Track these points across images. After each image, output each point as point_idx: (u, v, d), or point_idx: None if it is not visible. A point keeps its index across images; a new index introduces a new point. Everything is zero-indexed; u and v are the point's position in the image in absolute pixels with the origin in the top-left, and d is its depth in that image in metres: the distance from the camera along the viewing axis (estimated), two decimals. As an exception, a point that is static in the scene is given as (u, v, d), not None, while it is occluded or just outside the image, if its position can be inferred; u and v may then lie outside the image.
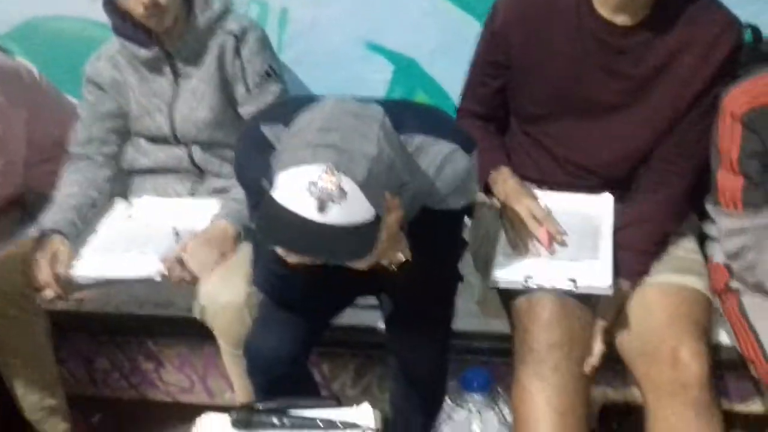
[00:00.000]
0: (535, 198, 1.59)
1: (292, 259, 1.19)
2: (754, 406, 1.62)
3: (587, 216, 1.58)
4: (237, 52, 1.73)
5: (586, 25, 1.54)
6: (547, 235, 1.51)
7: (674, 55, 1.52)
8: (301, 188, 1.11)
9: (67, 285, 1.62)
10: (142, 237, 1.69)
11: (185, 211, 1.75)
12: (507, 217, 1.58)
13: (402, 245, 1.27)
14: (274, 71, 1.76)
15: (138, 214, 1.78)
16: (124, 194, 1.86)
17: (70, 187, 1.76)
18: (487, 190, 1.66)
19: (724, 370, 1.51)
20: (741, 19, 1.83)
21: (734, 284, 1.54)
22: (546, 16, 1.57)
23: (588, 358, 1.44)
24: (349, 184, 1.11)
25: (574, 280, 1.44)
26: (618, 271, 1.49)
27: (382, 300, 1.57)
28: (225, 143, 1.78)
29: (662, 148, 1.58)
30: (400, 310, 1.49)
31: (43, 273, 1.60)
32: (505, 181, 1.62)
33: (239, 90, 1.75)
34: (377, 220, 1.16)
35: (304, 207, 1.11)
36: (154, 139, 1.82)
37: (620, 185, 1.62)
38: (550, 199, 1.61)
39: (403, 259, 1.27)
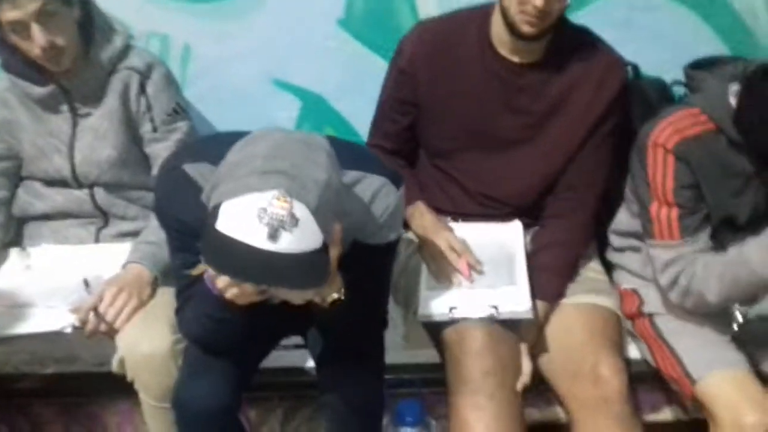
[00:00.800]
0: (452, 231, 1.63)
1: (238, 293, 1.15)
2: (664, 415, 1.72)
3: (500, 244, 1.64)
4: (142, 89, 1.65)
5: (488, 64, 1.61)
6: (467, 266, 1.56)
7: (568, 92, 1.63)
8: (250, 216, 1.07)
9: None
10: (47, 288, 1.56)
11: (90, 257, 1.64)
12: (427, 251, 1.61)
13: (337, 283, 1.26)
14: (181, 108, 1.70)
15: (37, 263, 1.64)
16: (18, 242, 1.71)
17: None
18: (405, 225, 1.69)
19: (636, 383, 1.60)
20: (623, 57, 2.00)
21: (646, 308, 1.64)
22: (450, 55, 1.63)
23: (520, 377, 1.49)
24: (301, 211, 1.09)
25: (495, 307, 1.49)
26: (535, 293, 1.55)
27: (309, 338, 1.54)
28: (130, 184, 1.69)
29: (565, 178, 1.67)
30: (333, 347, 1.46)
31: None
32: (422, 216, 1.65)
33: (145, 128, 1.67)
34: (325, 247, 1.14)
35: (254, 235, 1.07)
36: (51, 182, 1.69)
37: (529, 213, 1.70)
38: (463, 230, 1.65)
39: (336, 297, 1.26)
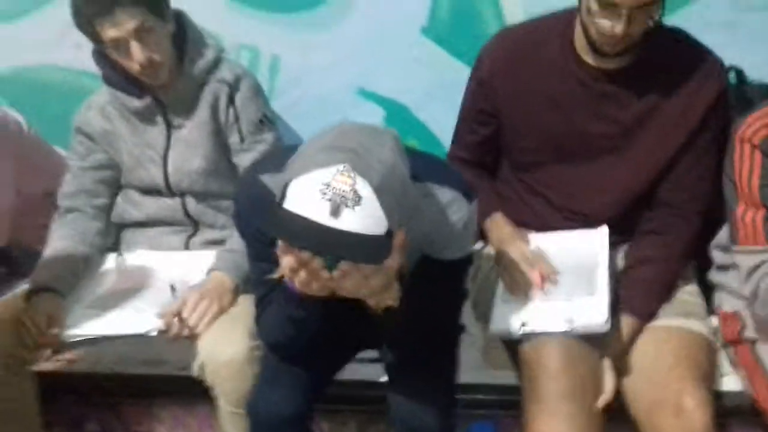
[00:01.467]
0: (527, 241, 1.57)
1: (306, 279, 1.14)
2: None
3: (583, 252, 1.56)
4: (230, 100, 1.69)
5: (571, 71, 1.54)
6: (539, 276, 1.49)
7: (661, 99, 1.52)
8: (314, 191, 1.06)
9: (62, 344, 1.56)
10: (137, 292, 1.63)
11: (180, 264, 1.70)
12: (501, 263, 1.56)
13: (394, 291, 1.23)
14: (267, 119, 1.73)
15: (131, 268, 1.71)
16: (116, 247, 1.79)
17: (60, 241, 1.69)
18: (483, 237, 1.65)
19: (732, 416, 1.49)
20: (726, 59, 1.88)
21: (748, 333, 1.52)
22: (531, 64, 1.56)
23: (602, 395, 1.42)
24: (364, 188, 1.07)
25: (570, 321, 1.42)
26: (623, 307, 1.48)
27: (383, 353, 1.53)
28: (219, 193, 1.73)
29: (661, 193, 1.57)
30: (401, 362, 1.44)
31: (38, 334, 1.52)
32: (499, 228, 1.61)
33: (233, 138, 1.71)
34: (389, 235, 1.11)
35: (317, 211, 1.06)
36: (147, 191, 1.76)
37: (621, 228, 1.60)
38: (544, 240, 1.59)
39: (391, 304, 1.24)
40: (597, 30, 1.43)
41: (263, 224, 1.14)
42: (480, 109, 1.64)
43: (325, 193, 1.06)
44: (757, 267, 1.39)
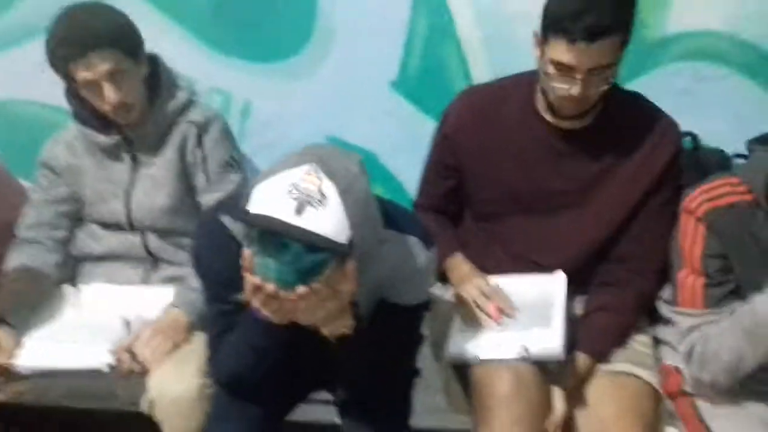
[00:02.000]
0: (484, 278, 1.59)
1: (266, 300, 1.15)
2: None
3: (539, 292, 1.58)
4: (199, 141, 1.70)
5: (532, 129, 1.58)
6: (495, 309, 1.51)
7: (619, 158, 1.57)
8: (281, 191, 1.08)
9: (9, 375, 1.52)
10: (90, 326, 1.60)
11: (136, 299, 1.67)
12: (460, 298, 1.58)
13: (348, 318, 1.24)
14: (235, 161, 1.73)
15: (86, 301, 1.69)
16: (73, 280, 1.77)
17: (16, 272, 1.67)
18: (443, 280, 1.66)
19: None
20: (682, 126, 1.94)
21: (687, 387, 1.53)
22: (494, 121, 1.61)
23: (551, 416, 1.42)
24: (330, 189, 1.09)
25: (525, 348, 1.43)
26: (578, 346, 1.49)
27: (337, 393, 1.52)
28: (182, 231, 1.72)
29: (618, 248, 1.60)
30: (355, 403, 1.42)
31: None
32: (459, 267, 1.63)
33: (199, 178, 1.71)
34: (348, 249, 1.11)
35: (282, 208, 1.07)
36: (108, 225, 1.75)
37: (577, 280, 1.62)
38: (503, 280, 1.61)
39: (345, 332, 1.24)
40: (555, 93, 1.47)
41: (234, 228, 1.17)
42: (444, 164, 1.68)
43: (291, 192, 1.08)
44: (692, 329, 1.44)
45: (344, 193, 1.10)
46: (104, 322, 1.61)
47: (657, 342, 1.65)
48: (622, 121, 1.58)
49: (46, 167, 1.75)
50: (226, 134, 1.75)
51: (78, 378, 1.61)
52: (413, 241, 1.31)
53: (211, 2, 1.95)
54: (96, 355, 1.51)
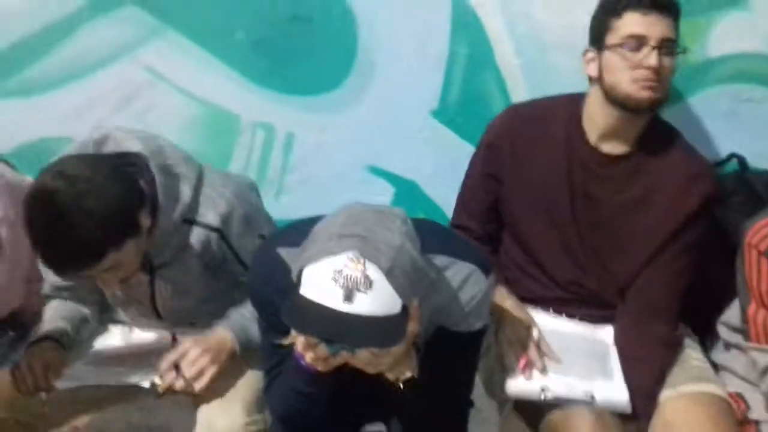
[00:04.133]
0: (527, 321, 1.54)
1: (316, 357, 1.14)
2: None
3: (590, 339, 1.55)
4: (224, 242, 1.50)
5: (574, 148, 1.56)
6: (524, 362, 1.47)
7: (652, 191, 1.54)
8: (327, 278, 1.09)
9: (49, 390, 1.48)
10: (136, 357, 1.57)
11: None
12: (504, 336, 1.53)
13: (411, 362, 1.21)
14: (264, 237, 1.54)
15: (136, 340, 1.66)
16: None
17: (57, 307, 1.61)
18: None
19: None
20: (727, 148, 1.90)
21: (752, 415, 1.48)
22: (537, 134, 1.59)
23: None
24: (374, 273, 1.09)
25: (590, 394, 1.40)
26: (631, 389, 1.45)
27: (391, 427, 1.49)
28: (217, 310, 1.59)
29: (642, 284, 1.57)
30: None
31: (32, 378, 1.44)
32: (502, 299, 1.58)
33: (236, 269, 1.53)
34: (404, 311, 1.12)
35: (331, 297, 1.08)
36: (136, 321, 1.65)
37: (603, 307, 1.61)
38: (551, 321, 1.57)
39: (410, 376, 1.21)
40: (630, 69, 1.45)
41: (282, 313, 1.13)
42: (485, 173, 1.65)
43: (337, 280, 1.08)
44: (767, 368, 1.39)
45: (389, 272, 1.10)
46: (150, 346, 1.59)
47: (715, 366, 1.60)
48: (661, 154, 1.56)
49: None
50: (250, 219, 1.54)
51: (134, 411, 1.60)
52: (471, 269, 1.28)
53: (252, 37, 1.96)
54: (137, 375, 1.49)
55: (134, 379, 1.48)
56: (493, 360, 1.60)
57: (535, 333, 1.50)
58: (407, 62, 1.91)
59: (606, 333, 1.59)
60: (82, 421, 1.64)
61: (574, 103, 1.59)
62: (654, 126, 1.56)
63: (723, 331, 1.58)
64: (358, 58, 1.93)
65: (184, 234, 1.47)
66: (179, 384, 1.43)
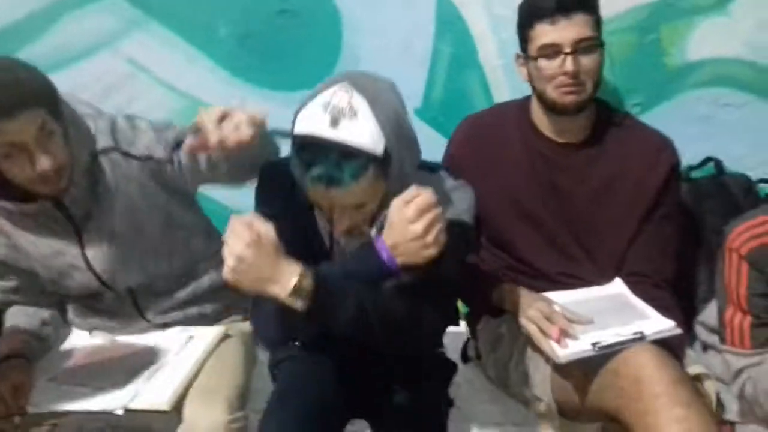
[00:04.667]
0: (545, 298, 1.51)
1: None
2: None
3: (608, 296, 1.55)
4: (128, 155, 1.44)
5: (531, 144, 1.60)
6: (558, 332, 1.42)
7: (617, 174, 1.56)
8: (318, 109, 1.17)
9: (22, 415, 1.42)
10: (103, 369, 1.50)
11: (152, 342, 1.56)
12: (528, 317, 1.48)
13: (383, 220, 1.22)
14: (162, 131, 1.48)
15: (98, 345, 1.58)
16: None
17: (16, 314, 1.55)
18: (489, 311, 1.62)
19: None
20: (705, 151, 1.92)
21: (728, 416, 1.49)
22: (496, 136, 1.63)
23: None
24: (360, 103, 1.16)
25: (640, 332, 1.37)
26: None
27: (374, 424, 1.48)
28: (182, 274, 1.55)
29: (631, 264, 1.58)
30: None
31: (2, 405, 1.39)
32: (512, 293, 1.55)
33: (168, 168, 1.46)
34: (386, 160, 1.18)
35: (319, 124, 1.16)
36: (87, 298, 1.55)
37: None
38: (563, 295, 1.55)
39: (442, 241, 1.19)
40: (551, 83, 1.49)
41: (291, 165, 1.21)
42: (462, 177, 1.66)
43: (326, 108, 1.16)
44: (741, 371, 1.41)
45: (372, 103, 1.17)
46: (116, 365, 1.51)
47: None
48: (617, 138, 1.58)
49: None
50: (131, 119, 1.50)
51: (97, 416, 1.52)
52: (455, 184, 1.36)
53: (238, 32, 1.94)
54: (112, 399, 1.41)
55: (107, 405, 1.39)
56: (506, 355, 1.58)
57: (556, 306, 1.48)
58: (391, 59, 1.91)
59: (617, 286, 1.57)
60: (61, 420, 1.59)
61: (523, 104, 1.63)
62: (603, 112, 1.60)
63: (700, 332, 1.60)
64: (343, 54, 1.92)
65: (93, 170, 1.44)
66: (214, 137, 1.25)
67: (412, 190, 1.18)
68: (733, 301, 1.42)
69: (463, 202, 1.33)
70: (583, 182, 1.57)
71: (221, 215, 1.86)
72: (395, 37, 1.91)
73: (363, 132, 1.15)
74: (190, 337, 1.57)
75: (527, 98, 1.65)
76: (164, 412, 1.39)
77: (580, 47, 1.48)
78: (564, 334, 1.42)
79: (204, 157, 1.42)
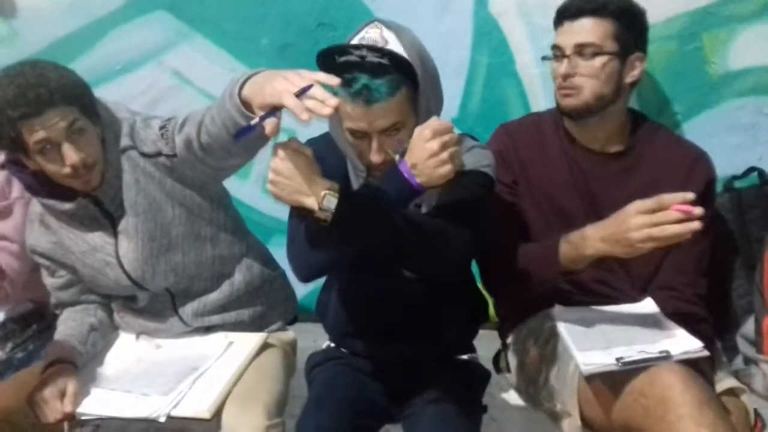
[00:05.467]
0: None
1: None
2: None
3: (639, 315, 1.53)
4: (140, 153, 1.48)
5: (569, 152, 1.59)
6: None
7: (651, 186, 1.50)
8: (351, 46, 1.27)
9: (73, 422, 1.45)
10: (148, 375, 1.51)
11: (192, 348, 1.58)
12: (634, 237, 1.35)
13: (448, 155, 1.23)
14: (164, 126, 1.50)
15: (147, 351, 1.60)
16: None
17: (66, 320, 1.59)
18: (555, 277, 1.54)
19: None
20: (748, 161, 1.88)
21: (769, 431, 1.47)
22: (534, 142, 1.63)
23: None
24: (390, 35, 1.29)
25: (666, 351, 1.35)
26: None
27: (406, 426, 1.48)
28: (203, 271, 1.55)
29: (663, 278, 1.55)
30: None
31: (51, 410, 1.42)
32: (573, 239, 1.46)
33: (182, 168, 1.47)
34: (415, 87, 1.29)
35: (355, 52, 1.25)
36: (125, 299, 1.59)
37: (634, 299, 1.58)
38: (596, 310, 1.54)
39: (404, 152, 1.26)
40: (556, 84, 1.54)
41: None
42: (505, 183, 1.63)
43: (360, 41, 1.28)
44: None
45: (400, 36, 1.29)
46: (172, 368, 1.53)
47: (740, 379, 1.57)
48: (655, 149, 1.56)
49: (36, 254, 1.58)
50: (146, 119, 1.53)
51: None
52: (475, 143, 1.45)
53: (278, 43, 1.97)
54: (154, 406, 1.43)
55: (150, 412, 1.41)
56: (535, 370, 1.57)
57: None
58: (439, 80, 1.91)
59: (648, 305, 1.55)
60: (105, 420, 1.59)
61: (558, 113, 1.61)
62: (639, 124, 1.60)
63: (742, 344, 1.57)
64: (381, 65, 1.93)
65: (121, 172, 1.49)
66: (308, 104, 1.11)
67: (431, 119, 1.24)
68: None
69: (483, 159, 1.38)
70: (619, 192, 1.55)
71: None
72: (432, 47, 1.87)
73: (394, 48, 1.28)
74: (231, 343, 1.58)
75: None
76: (205, 420, 1.41)
77: (581, 51, 1.50)
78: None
79: (196, 144, 1.43)
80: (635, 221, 1.31)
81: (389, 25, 1.31)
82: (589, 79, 1.50)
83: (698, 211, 1.26)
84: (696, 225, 1.24)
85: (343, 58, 1.26)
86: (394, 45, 1.28)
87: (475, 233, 1.31)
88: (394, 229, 1.24)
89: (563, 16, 1.54)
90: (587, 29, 1.50)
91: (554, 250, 1.45)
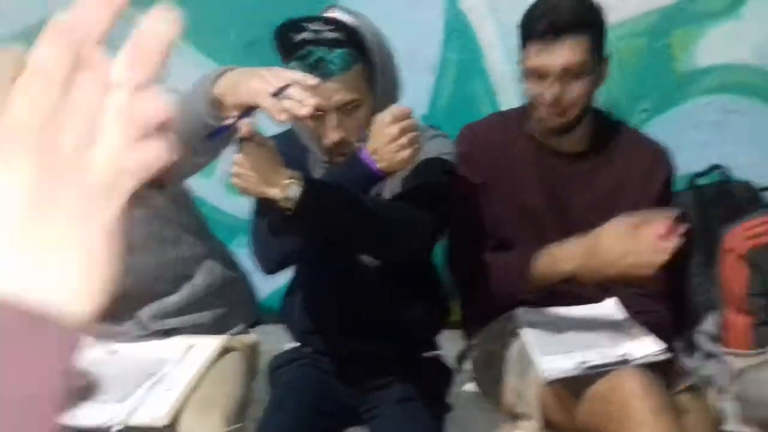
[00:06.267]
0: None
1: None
2: None
3: (600, 316, 1.51)
4: None
5: (534, 152, 1.55)
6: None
7: (617, 184, 1.52)
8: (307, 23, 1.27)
9: None
10: (114, 378, 1.43)
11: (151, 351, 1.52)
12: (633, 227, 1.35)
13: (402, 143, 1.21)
14: None
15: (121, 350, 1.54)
16: None
17: None
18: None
19: None
20: (713, 158, 1.89)
21: (730, 427, 1.48)
22: (499, 142, 1.58)
23: None
24: (346, 17, 1.29)
25: (626, 355, 1.34)
26: None
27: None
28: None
29: None
30: None
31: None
32: (550, 254, 1.44)
33: None
34: (371, 64, 1.29)
35: (311, 27, 1.26)
36: None
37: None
38: (557, 311, 1.51)
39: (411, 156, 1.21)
40: (538, 100, 1.44)
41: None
42: (473, 185, 1.63)
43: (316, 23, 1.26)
44: (742, 372, 1.39)
45: (356, 18, 1.28)
46: (117, 377, 1.44)
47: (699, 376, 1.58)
48: (616, 148, 1.53)
49: None
50: None
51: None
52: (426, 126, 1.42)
53: (245, 39, 1.94)
54: (110, 413, 1.36)
55: (101, 420, 1.33)
56: (498, 372, 1.52)
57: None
58: (399, 65, 1.89)
59: (610, 306, 1.55)
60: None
61: (524, 112, 1.58)
62: (602, 122, 1.55)
63: (702, 341, 1.58)
64: (349, 61, 1.91)
65: None
66: (286, 104, 1.03)
67: (391, 107, 1.24)
68: (732, 301, 1.39)
69: (445, 147, 1.38)
70: (584, 192, 1.54)
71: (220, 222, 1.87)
72: (402, 44, 1.88)
73: (346, 21, 1.26)
74: (190, 347, 1.56)
75: (527, 106, 1.63)
76: (163, 427, 1.38)
77: (566, 73, 1.40)
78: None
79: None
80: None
81: (346, 10, 1.32)
82: (580, 98, 1.45)
83: (682, 228, 1.25)
84: (674, 244, 1.23)
85: (299, 36, 1.26)
86: (349, 20, 1.28)
87: (437, 218, 1.30)
88: (358, 213, 1.23)
89: (538, 34, 1.39)
90: (572, 50, 1.39)
91: (526, 268, 1.43)
